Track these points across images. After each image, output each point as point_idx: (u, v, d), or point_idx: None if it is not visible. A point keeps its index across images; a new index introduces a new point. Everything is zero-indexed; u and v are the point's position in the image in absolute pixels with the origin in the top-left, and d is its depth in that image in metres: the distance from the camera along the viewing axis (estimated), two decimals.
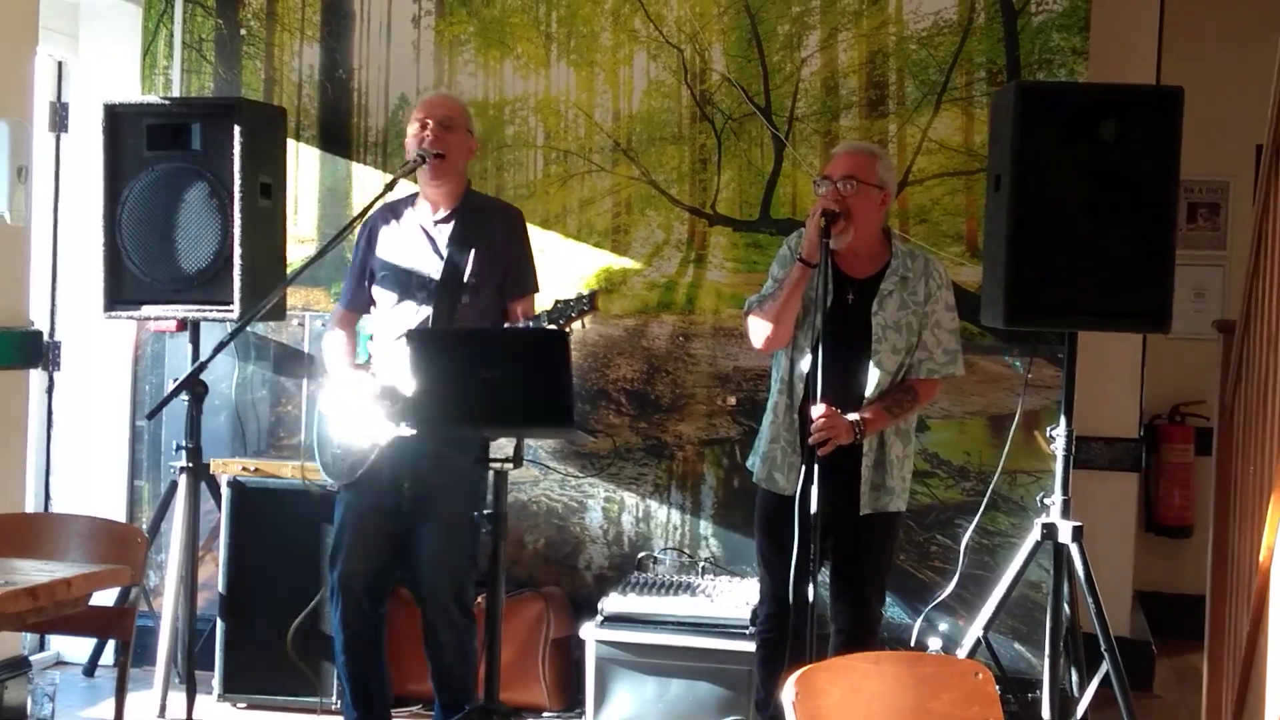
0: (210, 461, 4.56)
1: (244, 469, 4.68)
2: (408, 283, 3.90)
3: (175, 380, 3.94)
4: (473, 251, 3.88)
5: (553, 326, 3.58)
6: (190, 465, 4.39)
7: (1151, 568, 5.93)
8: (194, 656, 4.29)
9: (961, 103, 4.62)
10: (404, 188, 4.69)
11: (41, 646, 5.03)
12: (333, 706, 4.42)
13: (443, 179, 3.89)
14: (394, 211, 4.00)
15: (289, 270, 4.54)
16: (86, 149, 4.81)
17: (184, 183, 4.32)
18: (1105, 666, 3.85)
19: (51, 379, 5.01)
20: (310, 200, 5.05)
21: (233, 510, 4.59)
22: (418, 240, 3.93)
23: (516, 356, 3.43)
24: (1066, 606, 3.94)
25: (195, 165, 4.32)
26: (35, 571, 2.74)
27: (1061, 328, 3.95)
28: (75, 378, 5.06)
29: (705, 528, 4.79)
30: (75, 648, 4.98)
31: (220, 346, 3.59)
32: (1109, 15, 4.83)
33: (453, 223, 3.93)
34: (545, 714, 4.54)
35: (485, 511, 3.54)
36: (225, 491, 4.60)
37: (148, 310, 4.41)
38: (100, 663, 4.88)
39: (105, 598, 3.82)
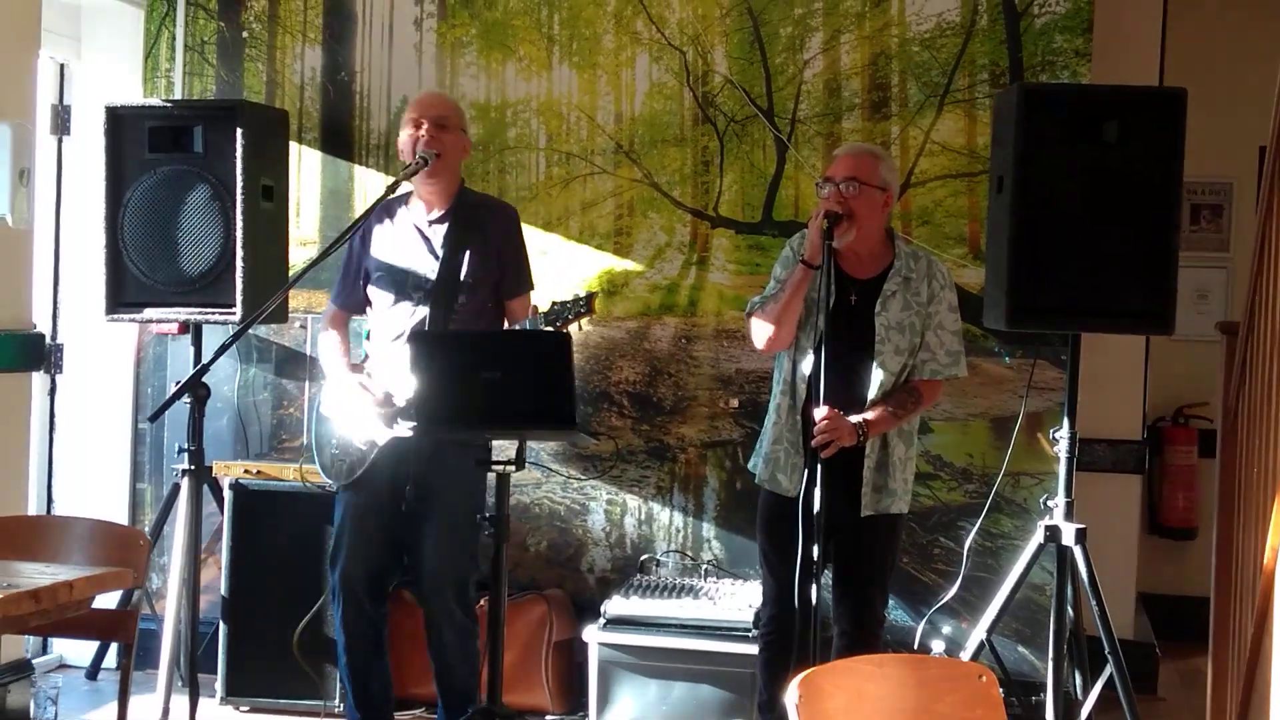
0: (212, 464, 4.55)
1: (246, 471, 4.68)
2: (404, 283, 3.90)
3: (177, 383, 3.93)
4: (468, 251, 3.88)
5: (549, 329, 3.58)
6: (192, 468, 4.38)
7: (1155, 570, 5.92)
8: (197, 659, 4.28)
9: (964, 104, 4.62)
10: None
11: (44, 649, 5.03)
12: (335, 709, 4.41)
13: (438, 178, 3.89)
14: (388, 211, 3.99)
15: (291, 273, 4.54)
16: (88, 151, 4.81)
17: (186, 185, 4.31)
18: (1109, 669, 3.85)
19: (54, 381, 5.00)
20: (312, 202, 5.05)
21: (235, 513, 4.59)
22: (413, 240, 3.93)
23: (519, 358, 3.43)
24: (1070, 609, 3.93)
25: (197, 168, 4.31)
26: (38, 574, 2.74)
27: (1064, 329, 3.94)
28: (77, 380, 5.05)
29: (708, 530, 4.78)
30: (78, 651, 4.98)
31: (222, 349, 3.59)
32: (1112, 17, 4.83)
33: (448, 222, 3.92)
34: (548, 717, 4.54)
35: (487, 514, 3.54)
36: (227, 494, 4.60)
37: (150, 313, 4.41)
38: (103, 666, 4.88)
39: (108, 600, 3.81)
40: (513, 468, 3.52)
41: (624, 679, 4.31)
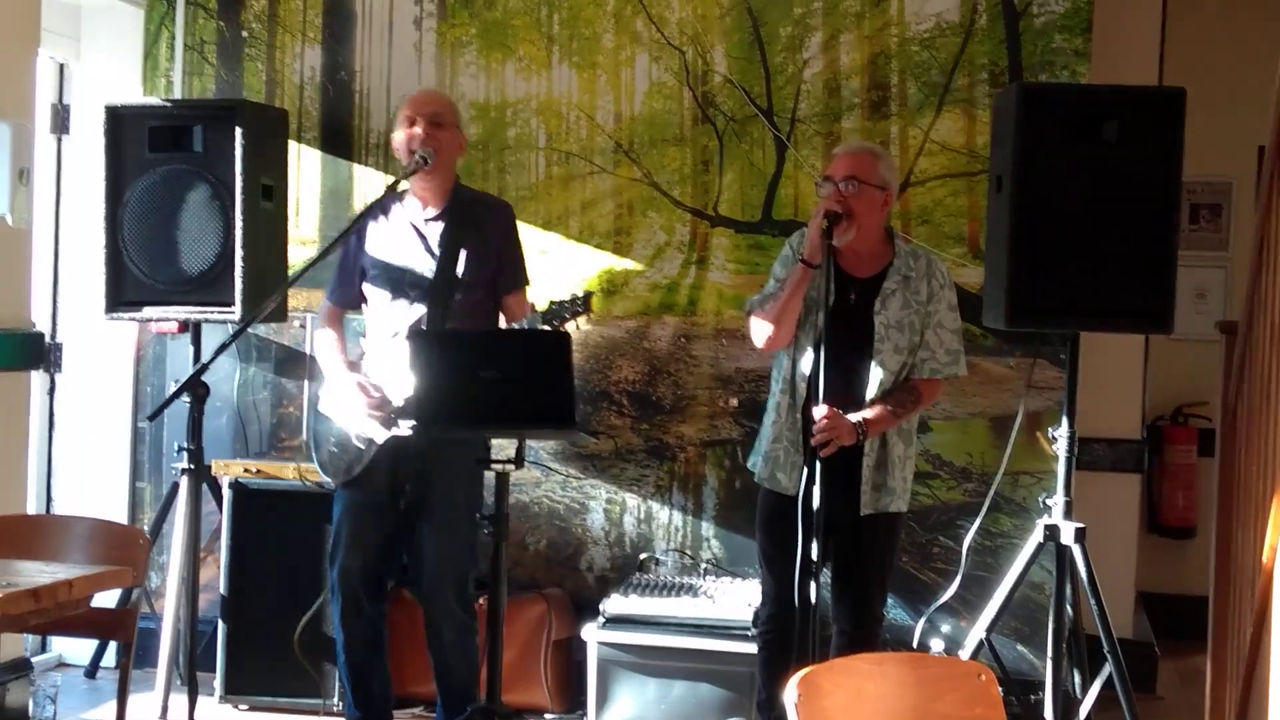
0: (212, 463, 4.55)
1: (245, 470, 4.68)
2: (400, 281, 3.90)
3: (177, 382, 3.94)
4: (465, 248, 3.88)
5: (546, 328, 3.59)
6: (192, 467, 4.39)
7: (1154, 569, 5.92)
8: (196, 658, 4.29)
9: (963, 104, 4.62)
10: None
11: (43, 648, 5.03)
12: (334, 708, 4.42)
13: (433, 176, 3.88)
14: (383, 208, 3.97)
15: (290, 272, 4.54)
16: (88, 151, 4.81)
17: (186, 184, 4.32)
18: (1108, 668, 3.85)
19: (53, 381, 5.01)
20: (312, 202, 5.05)
21: (234, 512, 4.59)
22: (409, 238, 3.92)
23: (518, 357, 3.43)
24: (1069, 608, 3.93)
25: (197, 167, 4.32)
26: (37, 573, 2.74)
27: (1063, 329, 3.94)
28: (77, 379, 5.06)
29: (707, 529, 4.78)
30: (77, 649, 4.98)
31: (222, 348, 3.59)
32: (1111, 16, 4.83)
33: (444, 220, 3.91)
34: (547, 715, 4.54)
35: (486, 513, 3.54)
36: (227, 493, 4.60)
37: (149, 312, 4.41)
38: (102, 664, 4.88)
39: (107, 599, 3.81)
40: (512, 466, 3.53)
41: (623, 678, 4.31)
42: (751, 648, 4.04)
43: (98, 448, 5.11)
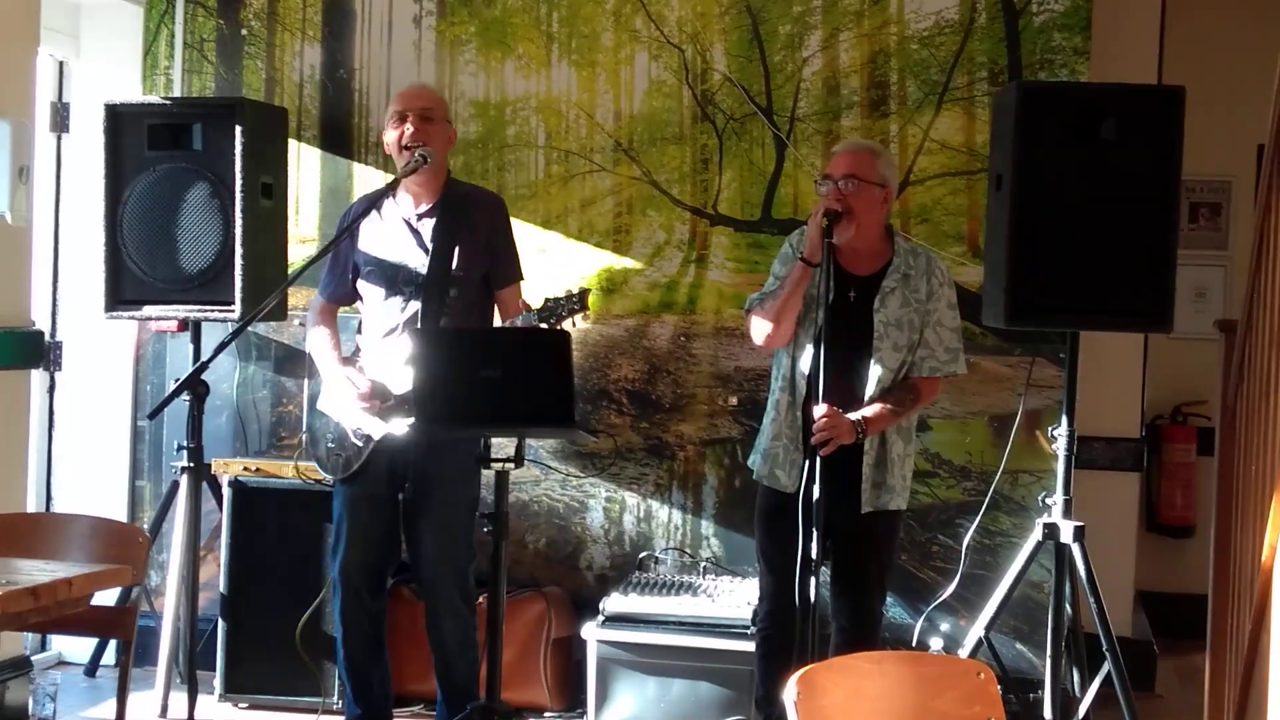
0: (211, 461, 4.56)
1: (245, 469, 4.68)
2: (394, 278, 3.89)
3: (176, 380, 3.94)
4: (458, 244, 3.87)
5: (542, 326, 3.58)
6: (191, 465, 4.39)
7: (1153, 568, 5.92)
8: (195, 656, 4.30)
9: (963, 102, 4.62)
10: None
11: (43, 646, 5.03)
12: (334, 706, 4.42)
13: (425, 171, 3.86)
14: (374, 204, 3.98)
15: (290, 270, 4.54)
16: (88, 149, 4.80)
17: (185, 183, 4.32)
18: (1107, 666, 3.85)
19: (53, 379, 5.00)
20: (311, 200, 5.05)
21: (234, 510, 4.59)
22: (402, 235, 3.92)
23: (518, 356, 3.43)
24: (1068, 606, 3.93)
25: (196, 165, 4.32)
26: (37, 571, 2.74)
27: (1062, 327, 3.95)
28: (76, 378, 5.05)
29: (706, 528, 4.79)
30: (77, 648, 4.98)
31: (221, 347, 3.59)
32: (1110, 15, 4.83)
33: (436, 215, 3.91)
34: (546, 714, 4.54)
35: (486, 512, 3.54)
36: (226, 491, 4.60)
37: (149, 310, 4.41)
38: (102, 663, 4.88)
39: (107, 598, 3.81)
40: (512, 465, 3.52)
41: (623, 676, 4.31)
42: (751, 646, 4.04)
43: (97, 446, 5.11)
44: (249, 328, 4.31)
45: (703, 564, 4.74)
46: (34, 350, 4.59)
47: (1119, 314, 3.82)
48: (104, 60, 5.11)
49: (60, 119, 5.03)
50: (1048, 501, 3.92)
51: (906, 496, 3.79)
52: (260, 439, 5.04)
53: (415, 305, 3.86)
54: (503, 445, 3.57)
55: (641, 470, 4.83)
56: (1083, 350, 4.00)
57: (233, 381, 5.04)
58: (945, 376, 3.81)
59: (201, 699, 4.28)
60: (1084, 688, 4.05)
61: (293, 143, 4.83)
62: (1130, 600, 5.23)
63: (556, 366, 3.34)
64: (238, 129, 4.27)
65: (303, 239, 4.97)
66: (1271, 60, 3.57)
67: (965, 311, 3.94)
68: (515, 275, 3.99)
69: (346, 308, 4.13)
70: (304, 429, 4.17)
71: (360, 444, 3.86)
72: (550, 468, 4.88)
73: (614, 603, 4.36)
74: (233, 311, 4.27)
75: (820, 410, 3.51)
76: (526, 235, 4.80)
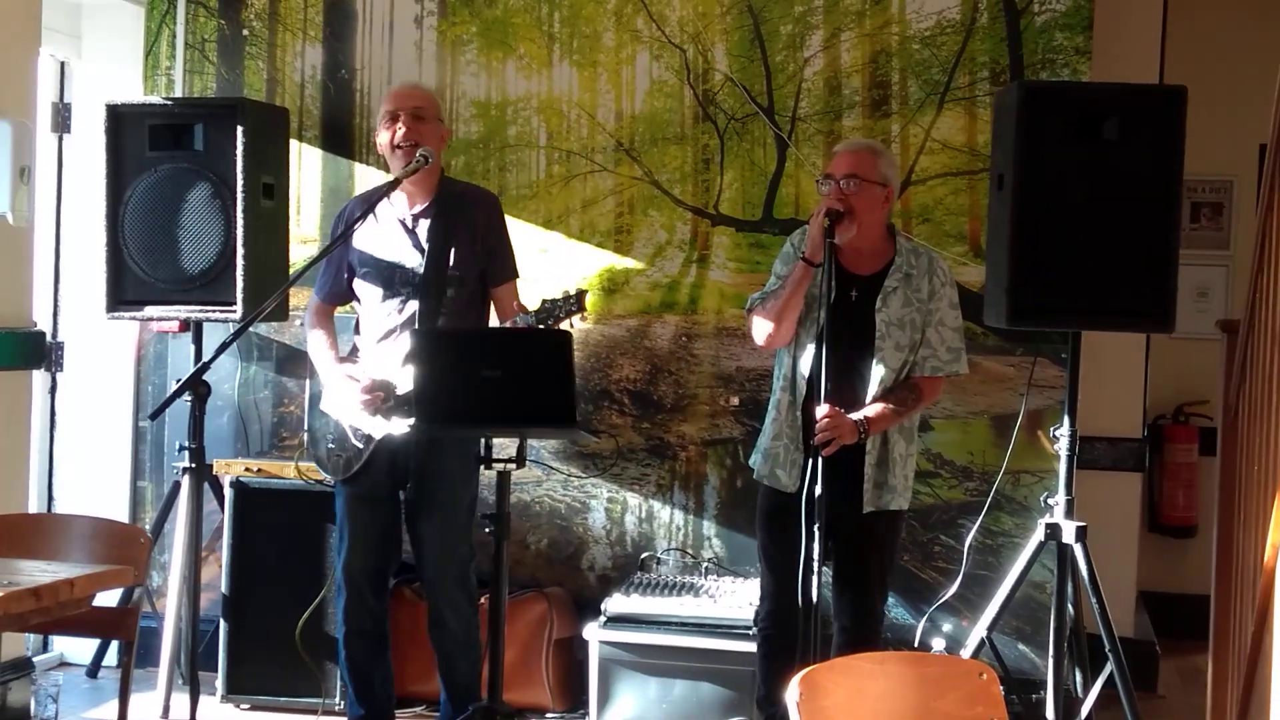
0: (213, 462, 4.56)
1: (247, 469, 4.68)
2: (391, 278, 3.89)
3: (178, 381, 3.93)
4: (454, 243, 3.87)
5: (540, 327, 3.57)
6: (193, 466, 4.39)
7: (1155, 568, 5.92)
8: (197, 657, 4.29)
9: (964, 102, 4.61)
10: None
11: (45, 647, 5.03)
12: (335, 707, 4.42)
13: (419, 171, 3.86)
14: (372, 204, 3.96)
15: (291, 271, 4.54)
16: (89, 149, 4.80)
17: (186, 183, 4.32)
18: (1109, 667, 3.85)
19: (54, 380, 5.01)
20: (313, 200, 5.05)
21: (235, 511, 4.59)
22: (397, 235, 3.91)
23: (519, 356, 3.43)
24: (1070, 607, 3.93)
25: (198, 166, 4.32)
26: (38, 572, 2.74)
27: (1064, 327, 3.94)
28: (78, 378, 5.05)
29: (708, 528, 4.78)
30: (78, 648, 4.99)
31: (223, 347, 3.59)
32: (1112, 14, 4.83)
33: (431, 215, 3.90)
34: (548, 715, 4.54)
35: (488, 512, 3.54)
36: (228, 492, 4.60)
37: (150, 311, 4.41)
38: (104, 664, 4.88)
39: (108, 598, 3.81)
40: (513, 466, 3.53)
41: (624, 677, 4.31)
42: (753, 647, 4.04)
43: (99, 447, 5.11)
44: (250, 328, 4.30)
45: (704, 564, 4.74)
46: (35, 351, 4.59)
47: (1121, 314, 3.81)
48: (105, 60, 5.11)
49: (61, 119, 5.03)
50: (1050, 502, 3.92)
51: (908, 496, 3.79)
52: (262, 439, 5.04)
53: (413, 306, 3.85)
54: (504, 446, 3.57)
55: (643, 471, 4.83)
56: (1084, 350, 4.00)
57: (234, 382, 5.04)
58: (947, 376, 3.81)
59: (203, 700, 4.28)
60: (1086, 688, 4.05)
61: (294, 143, 4.82)
62: (1132, 600, 5.23)
63: (558, 367, 3.34)
64: (239, 129, 4.27)
65: (304, 239, 4.97)
66: (1273, 60, 3.57)
67: (967, 311, 3.94)
68: (511, 273, 3.99)
69: (344, 308, 4.13)
70: (305, 429, 4.16)
71: (361, 445, 3.86)
72: (552, 468, 4.87)
73: (616, 603, 4.36)
74: (234, 312, 4.27)
75: (823, 410, 3.51)
76: (528, 235, 4.80)
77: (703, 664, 4.26)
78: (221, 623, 4.59)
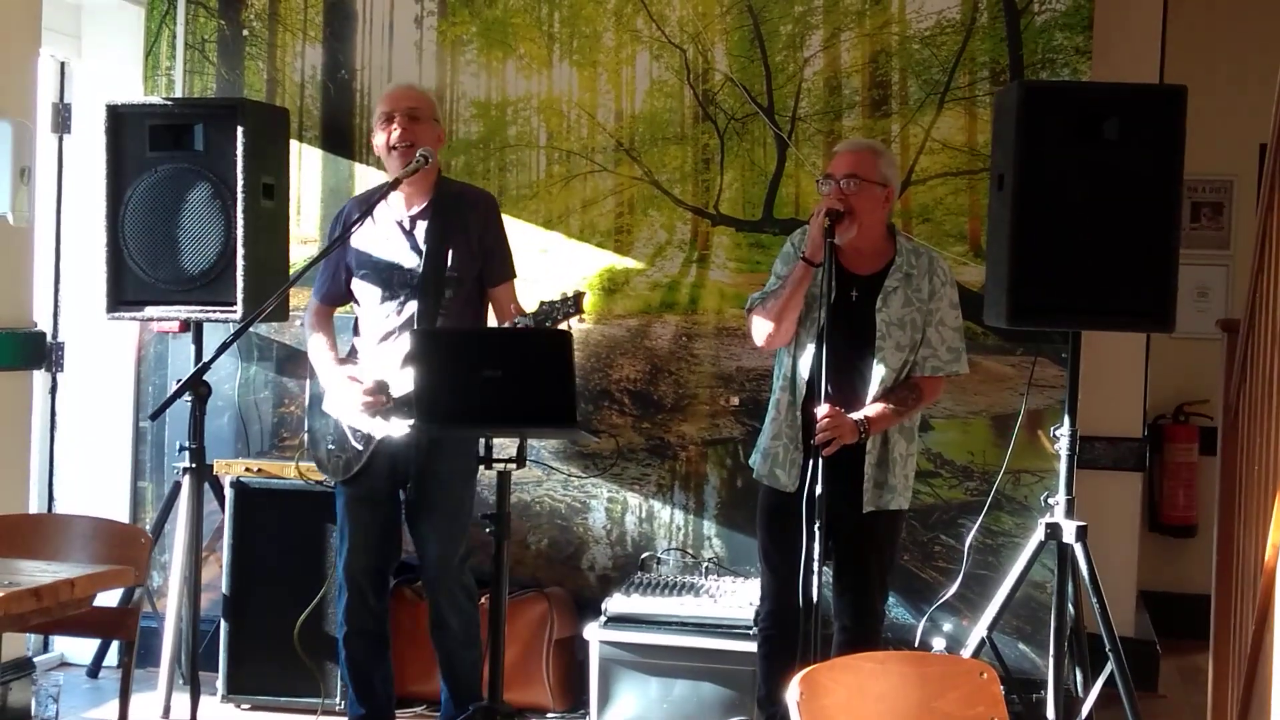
0: (213, 462, 4.56)
1: (247, 470, 4.68)
2: (389, 280, 3.89)
3: (178, 381, 3.93)
4: (451, 244, 3.87)
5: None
6: (193, 466, 4.39)
7: (1156, 567, 5.92)
8: (198, 657, 4.29)
9: (964, 102, 4.61)
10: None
11: (45, 647, 5.03)
12: (335, 707, 4.42)
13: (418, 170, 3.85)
14: (371, 205, 3.96)
15: (292, 271, 4.54)
16: (89, 150, 4.80)
17: (187, 183, 4.32)
18: (1110, 666, 3.85)
19: (55, 380, 5.00)
20: (313, 201, 5.05)
21: (236, 511, 4.59)
22: (395, 237, 3.91)
23: (520, 356, 3.43)
24: (1071, 606, 3.93)
25: (198, 166, 4.32)
26: (39, 572, 2.74)
27: (1064, 327, 3.94)
28: (78, 379, 5.05)
29: (709, 528, 4.78)
30: (79, 649, 4.99)
31: (223, 347, 3.59)
32: (1112, 14, 4.83)
33: (429, 217, 3.90)
34: (549, 715, 4.54)
35: (488, 512, 3.54)
36: (228, 492, 4.60)
37: (150, 311, 4.41)
38: (104, 664, 4.88)
39: (109, 599, 3.81)
40: (514, 466, 3.53)
41: (625, 677, 4.31)
42: (754, 647, 4.04)
43: (99, 447, 5.11)
44: (250, 328, 4.30)
45: (705, 564, 4.74)
46: (36, 351, 4.59)
47: (1121, 313, 3.81)
48: (105, 61, 5.11)
49: (62, 120, 5.03)
50: (1050, 501, 3.92)
51: (909, 496, 3.79)
52: (262, 440, 5.04)
53: (411, 307, 3.85)
54: (504, 446, 3.57)
55: (643, 470, 4.83)
56: (1085, 350, 4.00)
57: (234, 382, 5.04)
58: (948, 376, 3.81)
59: (204, 700, 4.27)
60: (1087, 688, 4.05)
61: (294, 143, 4.82)
62: (1133, 600, 5.23)
63: (558, 367, 3.34)
64: (239, 129, 4.27)
65: (304, 239, 4.97)
66: (1273, 60, 3.57)
67: (967, 311, 3.94)
68: (508, 273, 3.99)
69: (344, 308, 4.13)
70: (305, 430, 4.17)
71: (360, 446, 3.87)
72: (552, 468, 4.88)
73: (616, 603, 4.36)
74: (234, 312, 4.27)
75: (823, 410, 3.51)
76: (528, 235, 4.80)
77: (703, 664, 4.26)
78: (222, 623, 4.59)
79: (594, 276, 4.84)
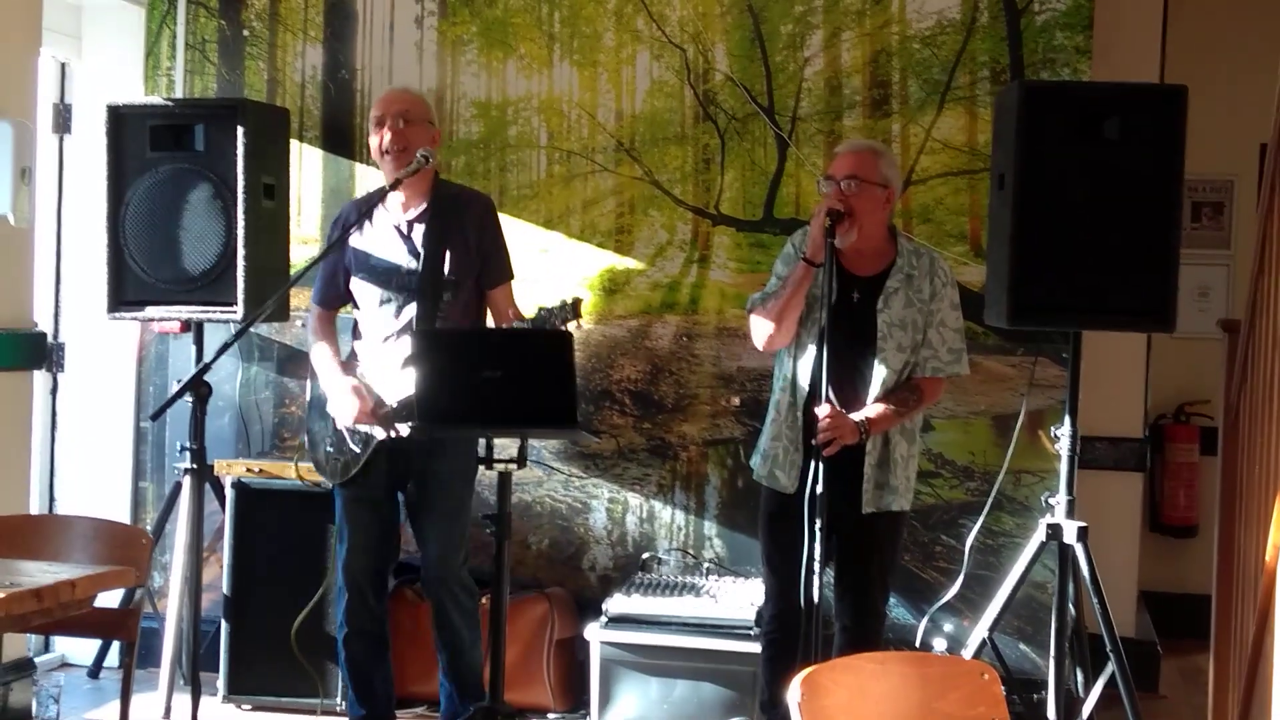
0: (214, 463, 4.55)
1: (248, 470, 4.68)
2: (388, 282, 3.89)
3: (179, 381, 3.93)
4: (449, 247, 3.87)
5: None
6: (194, 466, 4.39)
7: (1156, 568, 5.91)
8: (198, 658, 4.29)
9: (965, 102, 4.61)
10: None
11: (46, 648, 5.03)
12: (335, 707, 4.42)
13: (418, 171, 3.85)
14: (370, 207, 3.95)
15: (292, 271, 4.54)
16: (90, 150, 4.80)
17: (187, 184, 4.32)
18: (1110, 667, 3.85)
19: (55, 380, 5.01)
20: (313, 201, 5.05)
21: (236, 511, 4.59)
22: (393, 240, 3.92)
23: (520, 357, 3.43)
24: (1071, 607, 3.93)
25: (198, 166, 4.32)
26: (40, 573, 2.74)
27: (1065, 327, 3.94)
28: (79, 379, 5.06)
29: (709, 528, 4.78)
30: (80, 649, 4.99)
31: (224, 348, 3.59)
32: (1112, 14, 4.83)
33: (426, 219, 3.90)
34: (550, 715, 4.54)
35: (489, 513, 3.54)
36: (229, 493, 4.60)
37: (151, 311, 4.41)
38: (105, 664, 4.88)
39: (110, 599, 3.81)
40: (514, 466, 3.53)
41: (626, 677, 4.31)
42: (754, 647, 4.04)
43: (100, 447, 5.11)
44: (251, 329, 4.31)
45: (705, 565, 4.74)
46: (37, 352, 4.59)
47: (1122, 313, 3.81)
48: (106, 61, 5.11)
49: (62, 120, 5.03)
50: (1051, 502, 3.92)
51: (910, 497, 3.79)
52: (263, 440, 5.04)
53: (410, 310, 3.86)
54: (505, 446, 3.57)
55: (644, 471, 4.82)
56: (1085, 350, 4.00)
57: (235, 382, 5.04)
58: (948, 377, 3.81)
59: (205, 700, 4.27)
60: (1088, 688, 4.05)
61: (295, 143, 4.82)
62: (1134, 600, 5.23)
63: (559, 367, 3.34)
64: (239, 130, 4.27)
65: (305, 240, 4.97)
66: (1273, 60, 3.57)
67: (968, 311, 3.94)
68: (506, 275, 3.99)
69: (345, 309, 4.13)
70: (304, 432, 4.17)
71: (358, 449, 3.87)
72: (553, 468, 4.87)
73: (617, 604, 4.36)
74: (235, 312, 4.27)
75: (824, 410, 3.51)
76: (528, 236, 4.81)
77: (704, 664, 4.26)
78: (223, 623, 4.59)
79: (594, 277, 4.84)
